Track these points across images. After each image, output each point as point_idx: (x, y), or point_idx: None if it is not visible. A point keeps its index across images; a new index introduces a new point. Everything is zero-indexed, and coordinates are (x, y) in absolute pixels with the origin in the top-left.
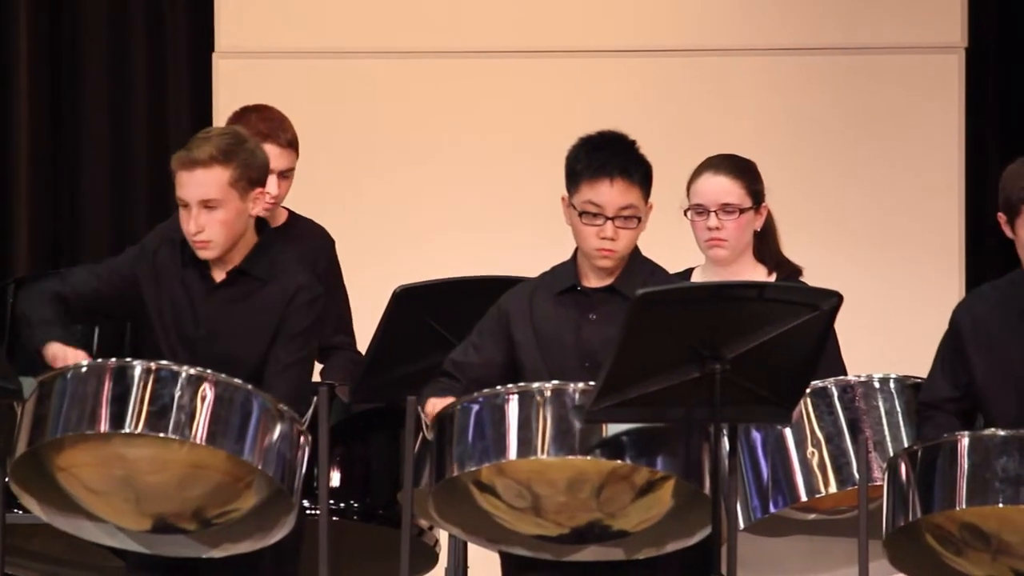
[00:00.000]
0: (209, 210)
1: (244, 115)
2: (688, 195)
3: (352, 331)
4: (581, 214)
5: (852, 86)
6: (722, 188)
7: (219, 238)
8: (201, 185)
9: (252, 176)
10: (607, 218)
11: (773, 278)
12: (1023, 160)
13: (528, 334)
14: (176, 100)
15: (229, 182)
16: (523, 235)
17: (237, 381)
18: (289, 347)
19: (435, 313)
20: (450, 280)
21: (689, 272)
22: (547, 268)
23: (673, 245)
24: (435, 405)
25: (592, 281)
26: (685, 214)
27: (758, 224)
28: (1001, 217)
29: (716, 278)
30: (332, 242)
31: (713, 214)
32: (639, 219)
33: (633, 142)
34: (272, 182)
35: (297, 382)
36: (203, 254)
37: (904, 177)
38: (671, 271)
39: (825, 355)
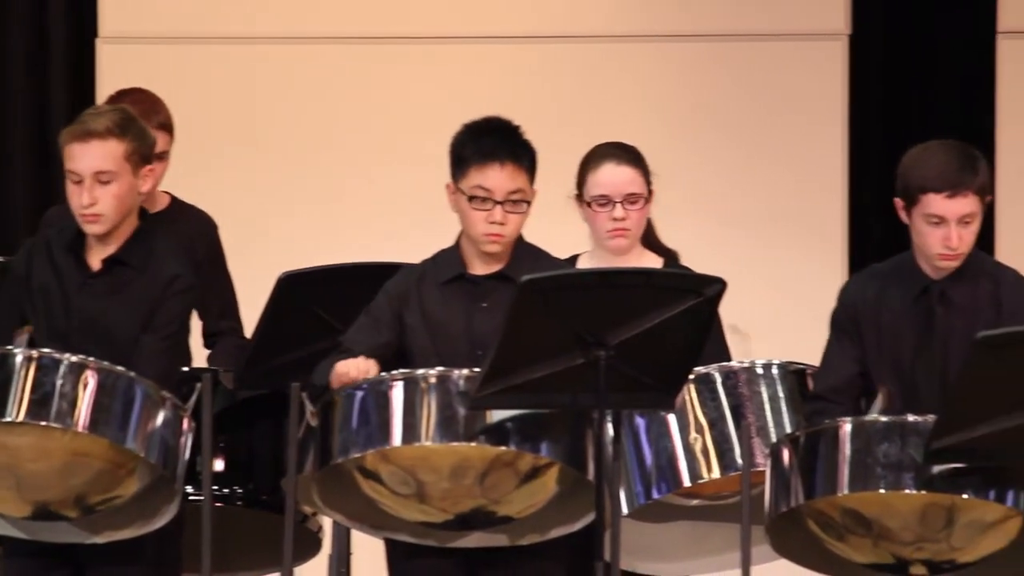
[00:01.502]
0: (103, 184)
1: (118, 99)
2: (584, 185)
3: (238, 316)
4: (471, 199)
5: (737, 72)
6: (627, 178)
7: (110, 212)
8: (97, 157)
9: (144, 152)
10: (496, 202)
11: (660, 264)
12: (924, 146)
13: (418, 321)
14: (57, 86)
15: (124, 155)
16: (408, 221)
17: (120, 368)
18: (156, 335)
19: (320, 299)
20: (334, 266)
21: (574, 259)
22: (432, 254)
23: (556, 232)
24: (349, 365)
25: (479, 268)
26: (581, 204)
27: (649, 211)
28: (898, 202)
29: (604, 264)
30: (215, 227)
31: (619, 205)
32: (527, 203)
33: (518, 127)
34: None
35: (162, 371)
36: (92, 228)
37: (789, 163)
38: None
39: (710, 341)
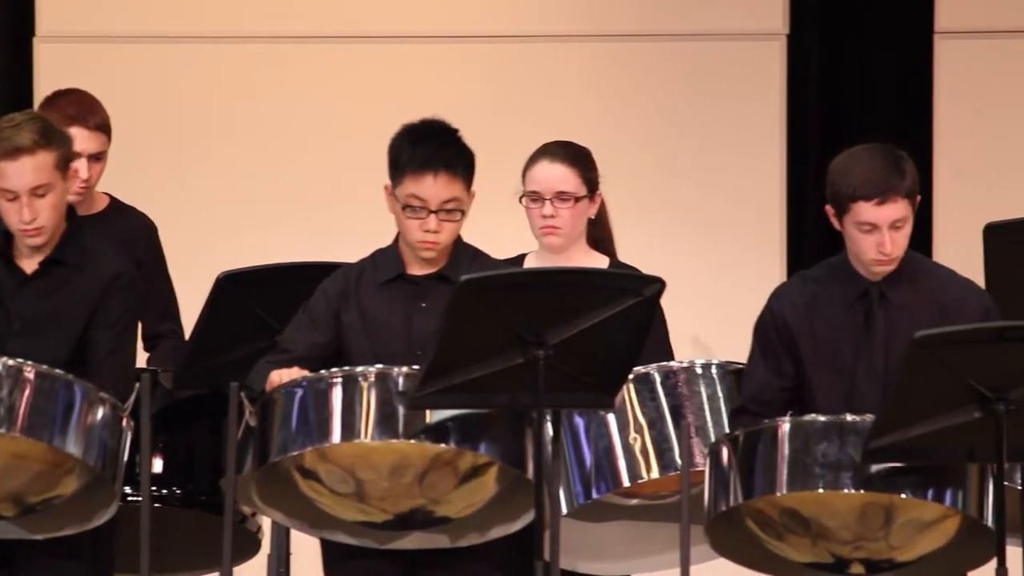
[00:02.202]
0: (39, 197)
1: (54, 99)
2: (523, 182)
3: (179, 319)
4: (404, 207)
5: (676, 73)
6: (557, 176)
7: (50, 222)
8: (30, 172)
9: (68, 155)
10: (431, 211)
11: (606, 264)
12: (850, 153)
13: (356, 322)
14: None
15: (54, 164)
16: (350, 221)
17: (58, 371)
18: (110, 333)
19: (259, 299)
20: (273, 266)
21: (522, 258)
22: (370, 254)
23: (505, 231)
24: (281, 375)
25: (417, 268)
26: (520, 201)
27: (592, 212)
28: (829, 210)
29: (549, 264)
30: (154, 229)
31: (548, 202)
32: (462, 211)
33: (456, 132)
34: (83, 165)
35: (122, 367)
36: (35, 241)
37: (728, 163)
38: (502, 257)
39: (653, 341)
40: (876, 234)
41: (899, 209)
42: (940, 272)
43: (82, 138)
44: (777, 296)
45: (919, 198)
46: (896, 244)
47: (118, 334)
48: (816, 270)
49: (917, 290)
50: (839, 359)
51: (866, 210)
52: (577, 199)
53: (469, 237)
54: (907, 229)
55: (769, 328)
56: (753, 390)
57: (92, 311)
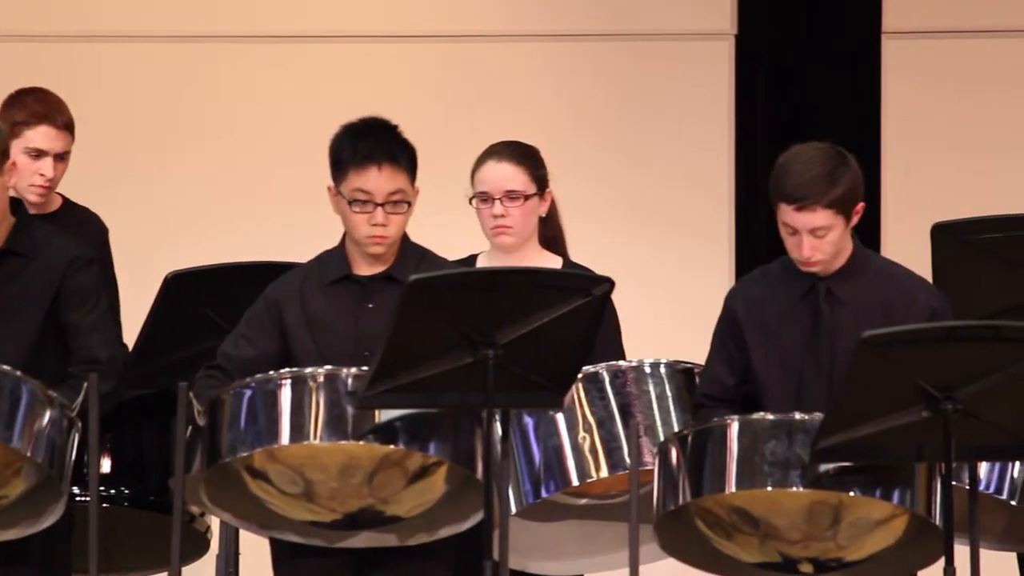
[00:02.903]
0: None
1: (20, 97)
2: (472, 183)
3: (119, 322)
4: (351, 202)
5: (625, 72)
6: (506, 175)
7: None
8: None
9: (5, 149)
10: (377, 204)
11: (559, 264)
12: (792, 152)
13: (300, 324)
14: None
15: None
16: (296, 221)
17: (6, 368)
18: (86, 311)
19: (207, 299)
20: (221, 266)
21: (473, 258)
22: (316, 255)
23: (454, 232)
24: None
25: (364, 269)
26: (470, 202)
27: (543, 210)
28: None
29: (500, 264)
30: (106, 231)
31: (498, 201)
32: (408, 203)
33: (396, 127)
34: (48, 164)
35: (108, 342)
36: None
37: (677, 163)
38: (453, 258)
39: (605, 340)
40: (796, 237)
41: (819, 218)
42: (891, 269)
43: (50, 137)
44: (734, 289)
45: (860, 206)
46: (817, 249)
47: (95, 310)
48: (776, 264)
49: (865, 287)
50: (788, 354)
51: (787, 212)
52: (527, 197)
53: (420, 239)
54: (832, 237)
55: (723, 321)
56: (707, 384)
57: (53, 297)
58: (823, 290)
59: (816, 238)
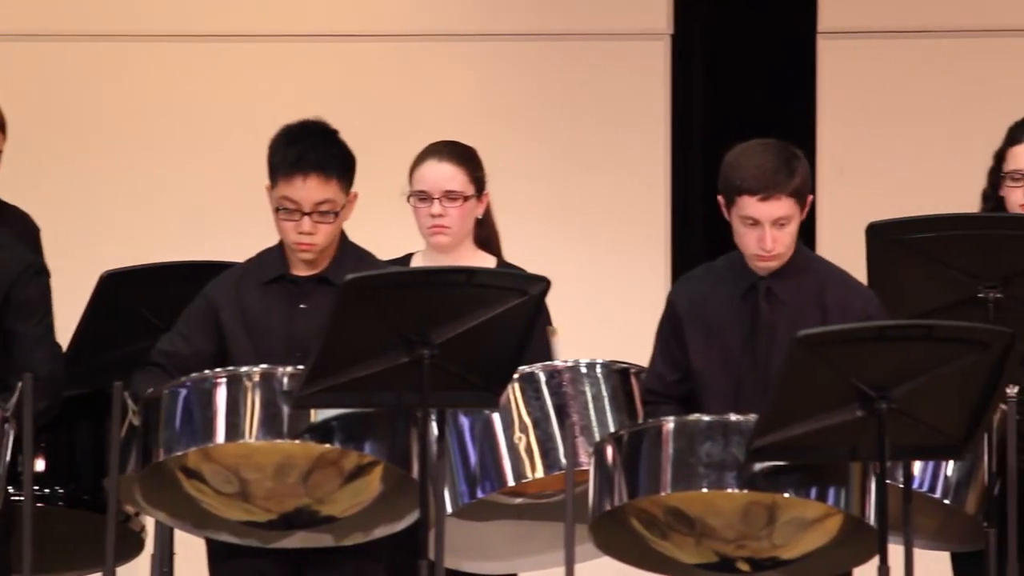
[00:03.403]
0: None
1: None
2: (410, 182)
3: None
4: (278, 209)
5: (562, 72)
6: (446, 175)
7: None
8: None
9: None
10: (304, 213)
11: (493, 264)
12: (744, 146)
13: (236, 323)
14: None
15: None
16: (233, 221)
17: None
18: (34, 323)
19: (142, 298)
20: (156, 265)
21: (409, 257)
22: (256, 253)
23: (391, 231)
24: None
25: (301, 269)
26: (408, 200)
27: (480, 211)
28: (721, 199)
29: (436, 264)
30: (37, 230)
31: (436, 201)
32: (336, 213)
33: (334, 133)
34: None
35: (53, 355)
36: None
37: (613, 163)
38: (388, 257)
39: (536, 340)
40: (758, 229)
41: (783, 207)
42: (830, 272)
43: None
44: (677, 286)
45: (810, 199)
46: (778, 241)
47: (41, 323)
48: (720, 261)
49: (804, 287)
50: (727, 353)
51: (750, 204)
52: (465, 198)
53: (354, 237)
54: (792, 228)
55: (666, 318)
56: (650, 380)
57: (2, 301)
58: (763, 289)
59: (777, 229)
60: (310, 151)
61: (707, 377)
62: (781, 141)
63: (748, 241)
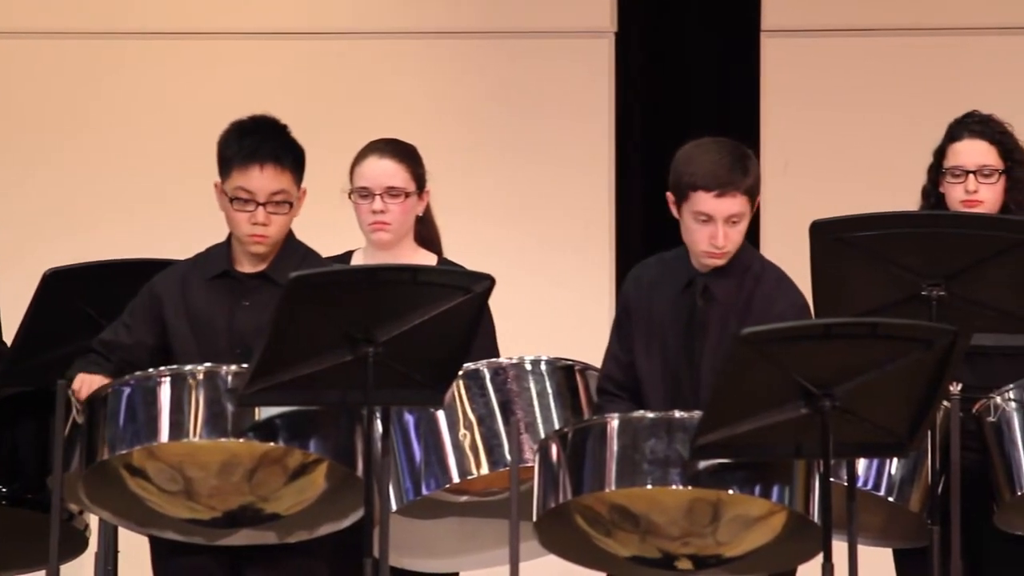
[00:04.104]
0: None
1: None
2: (352, 178)
3: None
4: (232, 200)
5: (505, 70)
6: (387, 172)
7: None
8: None
9: None
10: (259, 204)
11: (434, 262)
12: (697, 143)
13: (180, 318)
14: None
15: None
16: (177, 219)
17: None
18: None
19: (86, 296)
20: (100, 263)
21: (349, 255)
22: (201, 250)
23: (333, 229)
24: (84, 381)
25: (245, 266)
26: (349, 197)
27: (420, 208)
28: (670, 197)
29: (377, 261)
30: None
31: (378, 197)
32: (291, 204)
33: (284, 127)
34: None
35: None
36: None
37: (557, 160)
38: (329, 254)
39: (479, 338)
40: (711, 225)
41: (737, 204)
42: (768, 272)
43: None
44: (630, 274)
45: (759, 200)
46: (729, 239)
47: None
48: (671, 253)
49: (737, 286)
50: (666, 348)
51: (705, 200)
52: (407, 195)
53: (297, 233)
54: (742, 226)
55: (619, 307)
56: (606, 369)
57: None
58: (700, 285)
59: (729, 226)
60: (265, 142)
61: (647, 371)
62: (733, 140)
63: (699, 237)
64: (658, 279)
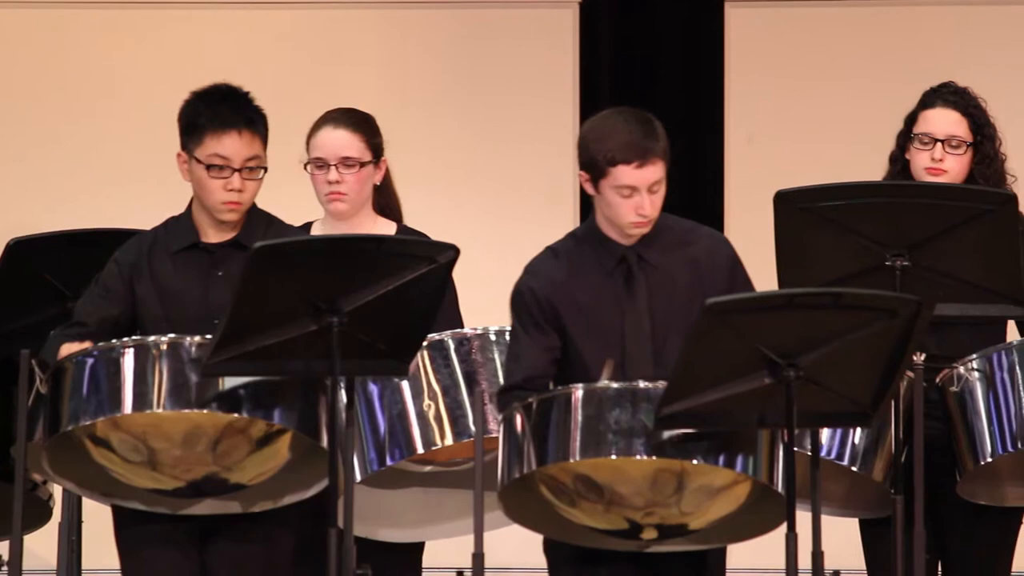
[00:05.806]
0: None
1: None
2: (308, 149)
3: None
4: (208, 167)
5: (469, 40)
6: (342, 142)
7: None
8: None
9: None
10: (235, 170)
11: (394, 231)
12: (602, 117)
13: (150, 291)
14: None
15: None
16: (141, 188)
17: None
18: None
19: (49, 266)
20: (64, 233)
21: (308, 226)
22: (162, 222)
23: (291, 199)
24: (70, 349)
25: (213, 236)
26: (305, 168)
27: (378, 178)
28: (583, 175)
29: (336, 231)
30: None
31: (333, 168)
32: (264, 169)
33: (248, 93)
34: None
35: None
36: None
37: (520, 130)
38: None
39: (443, 308)
40: (636, 197)
41: (657, 171)
42: (686, 226)
43: None
44: (533, 273)
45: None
46: (654, 205)
47: None
48: (565, 242)
49: (670, 247)
50: (605, 327)
51: (626, 173)
52: (362, 164)
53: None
54: (662, 191)
55: (532, 305)
56: (526, 368)
57: None
58: (634, 257)
59: (652, 193)
60: (239, 109)
61: (589, 353)
62: (633, 108)
63: (624, 211)
64: (572, 268)
